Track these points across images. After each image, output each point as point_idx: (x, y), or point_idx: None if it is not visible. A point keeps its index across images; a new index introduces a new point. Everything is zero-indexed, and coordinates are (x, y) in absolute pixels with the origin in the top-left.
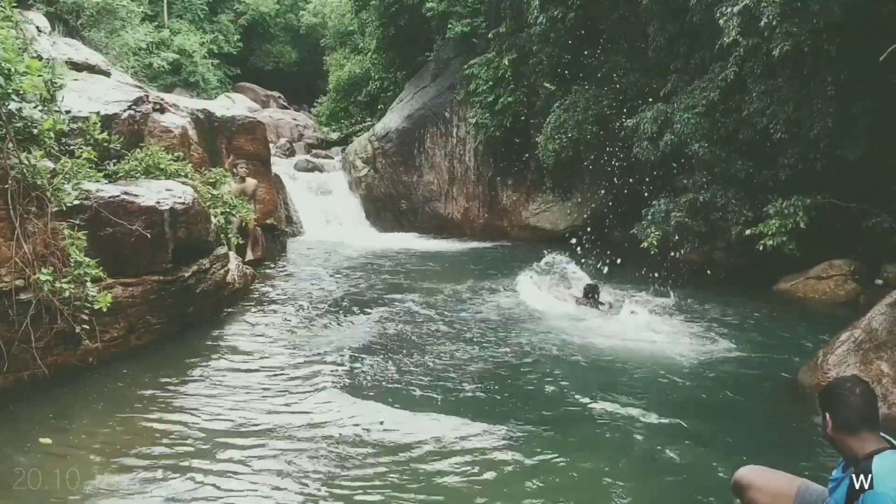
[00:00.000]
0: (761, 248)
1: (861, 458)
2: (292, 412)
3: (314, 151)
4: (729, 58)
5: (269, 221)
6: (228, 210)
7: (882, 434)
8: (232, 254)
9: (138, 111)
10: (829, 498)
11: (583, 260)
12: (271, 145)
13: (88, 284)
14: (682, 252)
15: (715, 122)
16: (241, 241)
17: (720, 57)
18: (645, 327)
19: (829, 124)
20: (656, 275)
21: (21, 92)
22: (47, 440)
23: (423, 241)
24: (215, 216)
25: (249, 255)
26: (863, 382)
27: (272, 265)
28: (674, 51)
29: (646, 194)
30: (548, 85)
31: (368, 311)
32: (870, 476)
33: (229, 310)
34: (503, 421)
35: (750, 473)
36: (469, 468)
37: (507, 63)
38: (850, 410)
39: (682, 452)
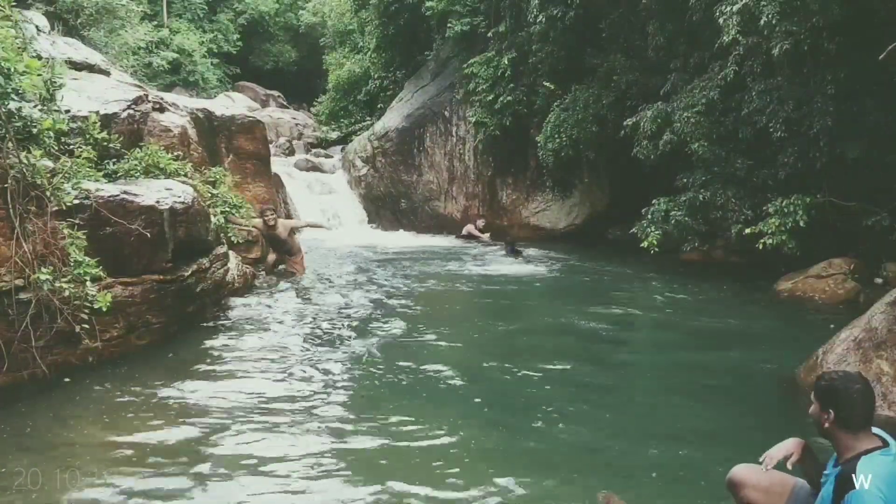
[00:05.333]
0: (761, 247)
1: (850, 457)
2: (293, 412)
3: (314, 151)
4: (728, 57)
5: None
6: (229, 209)
7: (875, 430)
8: (232, 253)
9: (138, 110)
10: (819, 494)
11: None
12: (271, 144)
13: (88, 284)
14: (683, 251)
15: (715, 121)
16: (240, 242)
17: (720, 56)
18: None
19: (828, 123)
20: None
21: (20, 91)
22: None
23: (423, 239)
24: (215, 215)
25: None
26: (864, 380)
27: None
28: (673, 50)
29: (645, 193)
30: (547, 84)
31: (368, 308)
32: (854, 476)
33: (229, 309)
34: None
35: (744, 471)
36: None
37: (506, 62)
38: (853, 410)
39: (679, 449)
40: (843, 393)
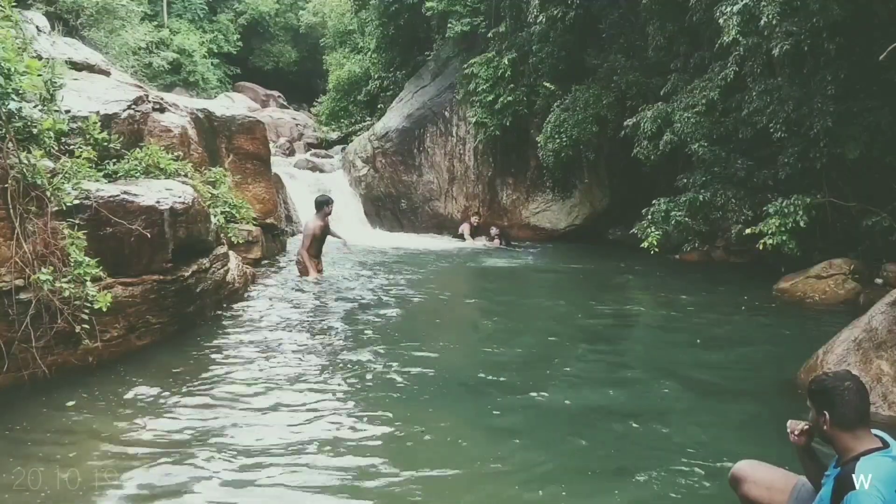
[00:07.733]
0: (761, 248)
1: (850, 458)
2: (292, 413)
3: (314, 151)
4: (729, 57)
5: (268, 221)
6: (229, 209)
7: (875, 431)
8: (232, 253)
9: (138, 111)
10: (818, 495)
11: None
12: (271, 145)
13: (88, 284)
14: (683, 251)
15: (715, 122)
16: (240, 242)
17: (720, 56)
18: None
19: (828, 123)
20: None
21: (21, 91)
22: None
23: (423, 239)
24: (215, 215)
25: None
26: (855, 378)
27: (272, 264)
28: (673, 50)
29: (645, 193)
30: (547, 84)
31: (368, 308)
32: (854, 476)
33: (229, 309)
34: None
35: (747, 467)
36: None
37: (506, 62)
38: (848, 408)
39: (677, 450)
40: (834, 392)
